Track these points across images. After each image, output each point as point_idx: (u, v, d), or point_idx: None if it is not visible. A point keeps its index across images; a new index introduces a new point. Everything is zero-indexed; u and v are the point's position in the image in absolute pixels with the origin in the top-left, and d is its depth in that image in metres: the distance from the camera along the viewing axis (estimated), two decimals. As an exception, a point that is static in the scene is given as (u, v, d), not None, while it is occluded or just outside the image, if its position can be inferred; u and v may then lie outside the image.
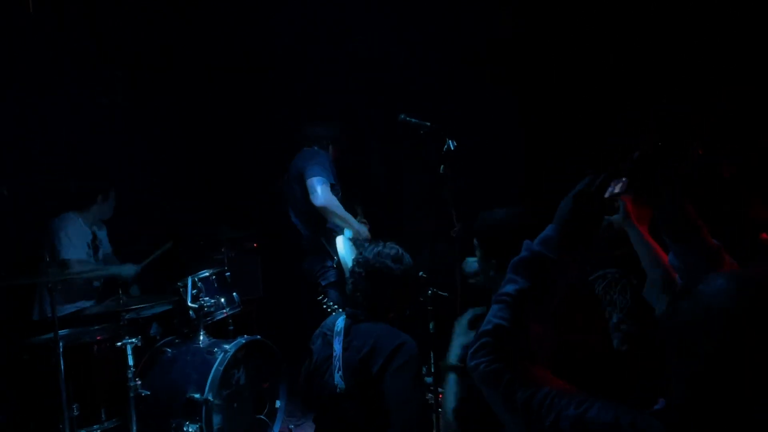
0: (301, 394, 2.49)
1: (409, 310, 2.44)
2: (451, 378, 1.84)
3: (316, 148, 3.97)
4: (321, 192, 3.63)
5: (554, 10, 4.05)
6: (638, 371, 2.26)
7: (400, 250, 2.28)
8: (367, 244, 3.14)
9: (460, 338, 1.90)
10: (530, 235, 1.39)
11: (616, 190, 1.28)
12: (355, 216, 3.90)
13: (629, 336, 2.31)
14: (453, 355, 1.88)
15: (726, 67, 3.36)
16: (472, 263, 2.22)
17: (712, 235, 1.40)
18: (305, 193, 3.70)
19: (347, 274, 3.32)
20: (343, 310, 2.39)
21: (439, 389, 3.79)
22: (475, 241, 2.05)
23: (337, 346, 2.12)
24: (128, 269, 3.77)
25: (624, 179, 1.29)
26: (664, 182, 1.33)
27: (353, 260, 2.35)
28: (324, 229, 3.78)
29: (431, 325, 3.56)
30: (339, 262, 3.69)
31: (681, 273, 1.47)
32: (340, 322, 2.20)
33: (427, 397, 2.31)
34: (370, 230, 3.92)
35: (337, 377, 2.06)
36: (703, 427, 0.92)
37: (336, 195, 3.82)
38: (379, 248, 2.26)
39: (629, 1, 3.81)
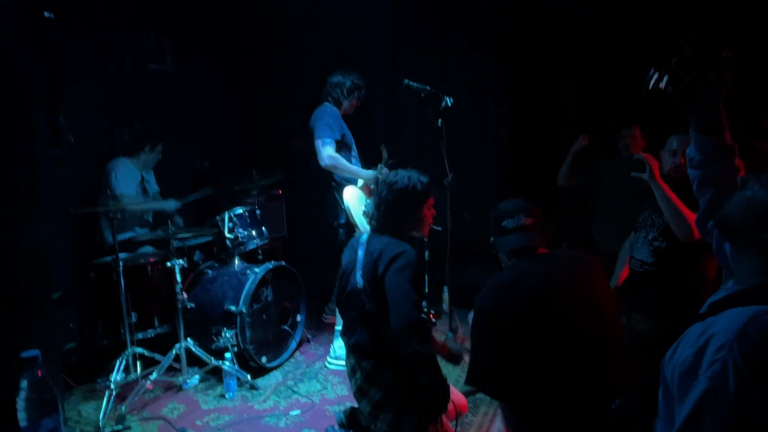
0: (335, 293, 2.86)
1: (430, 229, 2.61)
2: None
3: (326, 103, 4.09)
4: (324, 153, 3.82)
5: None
6: (665, 283, 2.65)
7: (415, 175, 2.49)
8: (387, 171, 3.40)
9: None
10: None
11: (662, 84, 1.53)
12: (381, 158, 4.06)
13: (658, 250, 2.70)
14: None
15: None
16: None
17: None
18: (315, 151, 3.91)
19: (353, 221, 3.77)
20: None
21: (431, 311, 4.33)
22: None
23: (360, 252, 2.43)
24: (170, 204, 4.16)
25: (666, 76, 1.51)
26: (701, 80, 1.49)
27: (372, 187, 2.64)
28: (333, 180, 4.02)
29: (426, 254, 4.14)
30: (347, 209, 3.88)
31: (695, 163, 1.67)
32: (365, 236, 2.52)
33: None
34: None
35: (358, 276, 2.37)
36: None
37: (346, 148, 4.00)
38: (396, 172, 2.52)
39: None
